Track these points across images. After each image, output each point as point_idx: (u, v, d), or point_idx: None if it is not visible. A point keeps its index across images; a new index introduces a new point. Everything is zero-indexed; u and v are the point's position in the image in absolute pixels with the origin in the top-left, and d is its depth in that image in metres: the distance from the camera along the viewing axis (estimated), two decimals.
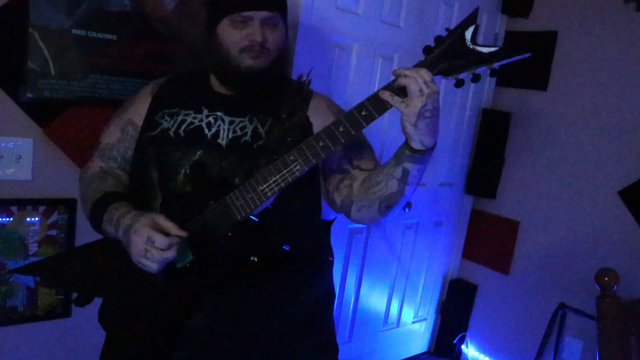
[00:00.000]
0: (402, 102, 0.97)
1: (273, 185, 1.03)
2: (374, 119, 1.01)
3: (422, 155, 1.02)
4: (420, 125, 0.98)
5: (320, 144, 1.01)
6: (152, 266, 1.00)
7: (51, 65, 1.54)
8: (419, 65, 1.00)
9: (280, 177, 1.03)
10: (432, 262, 2.93)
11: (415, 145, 1.01)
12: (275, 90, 1.18)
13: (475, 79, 1.01)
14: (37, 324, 1.71)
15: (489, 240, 2.92)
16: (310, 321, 1.24)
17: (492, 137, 2.82)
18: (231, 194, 1.06)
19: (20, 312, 1.66)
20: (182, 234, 1.02)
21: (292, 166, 1.02)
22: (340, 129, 1.01)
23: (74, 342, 1.78)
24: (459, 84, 1.01)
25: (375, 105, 1.00)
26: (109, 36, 1.62)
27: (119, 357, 1.23)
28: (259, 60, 1.14)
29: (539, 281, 2.66)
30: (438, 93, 0.98)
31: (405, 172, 1.05)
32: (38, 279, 1.67)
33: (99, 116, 1.66)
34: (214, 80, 1.24)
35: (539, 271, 2.67)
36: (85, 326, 1.77)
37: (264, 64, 1.15)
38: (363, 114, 1.00)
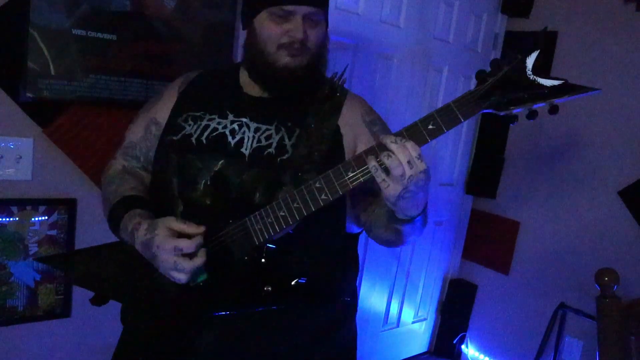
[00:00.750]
0: (384, 180, 0.88)
1: (295, 212, 0.96)
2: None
3: (410, 222, 0.98)
4: (400, 204, 0.91)
5: (350, 173, 0.92)
6: (183, 277, 0.97)
7: (51, 65, 1.54)
8: (468, 96, 0.89)
9: (303, 204, 0.95)
10: (432, 262, 2.93)
11: (400, 216, 0.96)
12: (308, 92, 1.11)
13: (531, 115, 0.89)
14: (37, 324, 1.71)
15: (489, 240, 2.92)
16: (328, 336, 1.18)
17: (492, 137, 2.82)
18: (251, 216, 1.00)
19: (20, 312, 1.66)
20: (201, 229, 0.98)
21: (317, 194, 0.94)
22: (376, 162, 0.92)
23: (74, 342, 1.78)
24: (512, 119, 0.90)
25: (370, 170, 0.92)
26: (109, 36, 1.62)
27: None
28: (297, 59, 1.06)
29: (539, 281, 2.66)
30: (424, 172, 0.88)
31: (398, 231, 1.01)
32: (39, 278, 1.67)
33: (98, 116, 1.66)
34: (243, 79, 1.17)
35: (539, 271, 2.67)
36: (85, 326, 1.77)
37: (301, 63, 1.07)
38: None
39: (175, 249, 0.95)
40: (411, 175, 0.87)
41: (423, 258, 2.88)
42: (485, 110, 0.89)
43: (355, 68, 2.26)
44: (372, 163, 0.89)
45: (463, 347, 2.99)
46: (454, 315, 3.00)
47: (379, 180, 0.89)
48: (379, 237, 1.11)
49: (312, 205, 0.95)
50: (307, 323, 1.14)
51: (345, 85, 2.21)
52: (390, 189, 0.88)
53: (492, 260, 2.89)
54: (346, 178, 0.93)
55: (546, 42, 2.59)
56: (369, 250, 2.55)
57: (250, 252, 1.01)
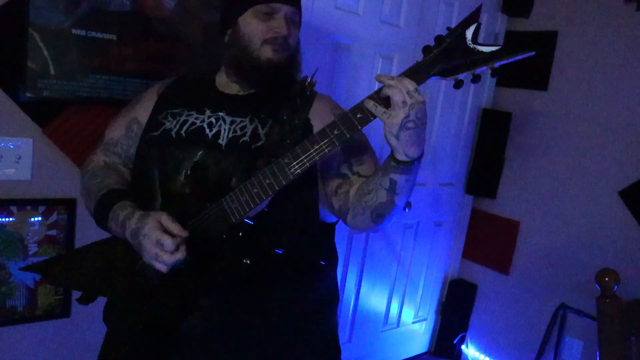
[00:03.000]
0: (384, 112, 0.94)
1: (267, 187, 1.02)
2: (369, 121, 0.99)
3: (408, 166, 1.00)
4: (402, 137, 0.95)
5: (315, 146, 0.99)
6: (163, 268, 1.01)
7: (51, 65, 1.54)
8: (416, 66, 0.98)
9: (274, 180, 1.02)
10: (432, 262, 2.94)
11: (400, 156, 0.99)
12: (281, 91, 1.17)
13: (475, 79, 0.98)
14: (37, 324, 1.71)
15: (489, 240, 2.92)
16: (310, 323, 1.23)
17: (492, 137, 2.82)
18: (227, 196, 1.06)
19: (20, 312, 1.66)
20: (184, 234, 1.02)
21: (286, 169, 1.01)
22: (335, 132, 0.99)
23: (74, 342, 1.78)
24: (458, 84, 0.99)
25: (369, 109, 0.98)
26: (109, 36, 1.62)
27: (117, 357, 1.22)
28: (279, 54, 1.15)
29: (539, 281, 2.66)
30: (423, 103, 0.95)
31: (393, 183, 1.03)
32: (38, 278, 1.67)
33: (98, 116, 1.66)
34: (219, 80, 1.26)
35: (539, 271, 2.67)
36: (85, 326, 1.77)
37: (282, 58, 1.16)
38: (358, 116, 0.98)
39: (157, 242, 1.00)
40: (412, 103, 0.93)
41: (423, 258, 2.88)
42: (432, 78, 0.99)
43: (355, 68, 2.26)
44: (370, 103, 0.96)
45: (463, 347, 2.99)
46: (454, 315, 2.99)
47: (379, 115, 0.95)
48: (363, 210, 1.09)
49: (282, 179, 1.02)
50: (288, 304, 1.18)
51: (345, 85, 2.23)
52: (392, 117, 0.94)
53: (492, 260, 2.89)
54: (312, 150, 1.00)
55: (546, 42, 2.59)
56: (369, 251, 2.55)
57: (227, 230, 1.06)
